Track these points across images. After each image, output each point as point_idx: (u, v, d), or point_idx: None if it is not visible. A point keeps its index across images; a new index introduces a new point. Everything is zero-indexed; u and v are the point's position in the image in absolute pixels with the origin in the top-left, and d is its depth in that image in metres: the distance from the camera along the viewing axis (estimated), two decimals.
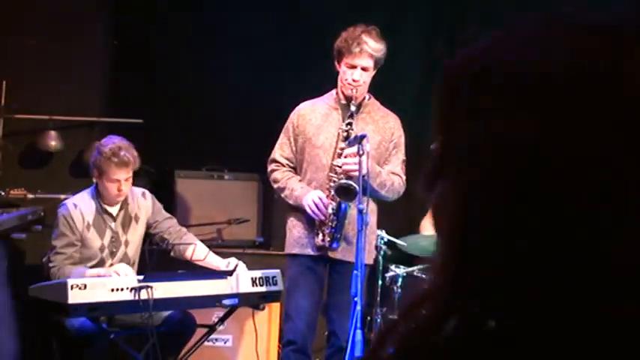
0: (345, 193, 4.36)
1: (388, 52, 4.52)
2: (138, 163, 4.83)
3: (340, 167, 4.44)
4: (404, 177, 4.69)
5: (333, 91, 4.68)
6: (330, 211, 4.46)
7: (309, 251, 4.59)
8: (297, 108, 4.71)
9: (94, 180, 4.86)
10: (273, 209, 6.30)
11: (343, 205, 4.44)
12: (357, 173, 4.29)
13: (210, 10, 6.80)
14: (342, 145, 4.47)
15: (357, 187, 4.24)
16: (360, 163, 4.18)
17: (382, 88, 4.86)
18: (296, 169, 4.70)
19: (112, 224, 4.89)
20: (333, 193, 4.44)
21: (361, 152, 4.13)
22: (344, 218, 4.47)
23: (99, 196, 4.86)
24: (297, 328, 4.62)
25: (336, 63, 4.59)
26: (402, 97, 6.18)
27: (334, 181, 4.45)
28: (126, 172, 4.78)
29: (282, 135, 4.72)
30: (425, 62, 6.57)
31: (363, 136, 4.14)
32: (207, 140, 6.88)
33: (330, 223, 4.48)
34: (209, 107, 6.90)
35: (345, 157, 4.41)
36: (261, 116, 4.68)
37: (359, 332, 3.93)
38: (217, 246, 5.77)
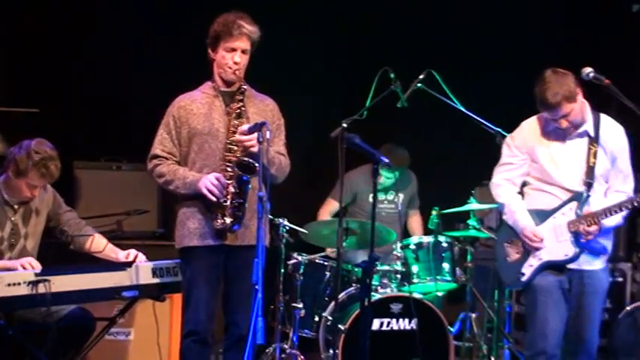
0: (245, 169, 4.39)
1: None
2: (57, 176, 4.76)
3: (237, 145, 4.46)
4: (287, 158, 4.74)
5: (209, 82, 4.69)
6: (231, 189, 4.44)
7: (209, 242, 4.55)
8: (176, 101, 4.67)
9: (7, 172, 4.73)
10: (173, 200, 6.26)
11: (246, 184, 4.44)
12: (255, 149, 4.33)
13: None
14: (236, 122, 4.51)
15: (256, 163, 4.28)
16: (260, 151, 4.16)
17: None
18: (179, 164, 4.64)
19: (13, 217, 4.78)
20: (233, 169, 4.42)
21: (261, 139, 4.12)
22: (246, 195, 4.46)
23: (4, 188, 4.74)
24: (197, 319, 4.58)
25: (210, 51, 4.62)
26: None
27: (231, 161, 4.46)
28: (46, 182, 4.75)
29: (160, 130, 4.66)
30: None
31: (262, 124, 4.15)
32: (105, 130, 6.82)
33: (232, 203, 4.46)
34: (107, 97, 6.84)
35: (241, 133, 4.43)
36: (160, 106, 4.64)
37: (260, 320, 3.92)
38: (117, 237, 5.70)
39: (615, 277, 6.83)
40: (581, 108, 4.63)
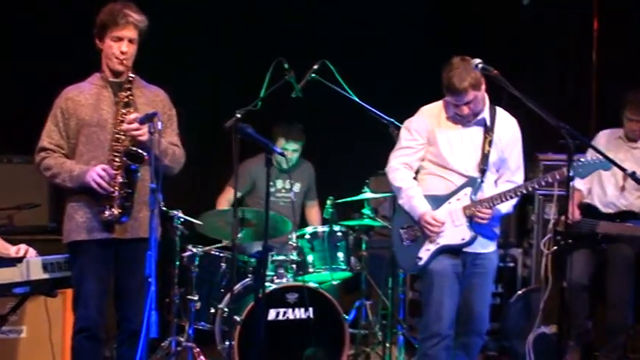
0: (134, 159, 4.36)
1: None
2: None
3: (125, 134, 4.42)
4: (182, 148, 4.72)
5: (96, 74, 4.63)
6: (119, 180, 4.39)
7: (96, 235, 4.49)
8: (64, 93, 4.59)
9: None
10: (65, 192, 6.16)
11: (135, 173, 4.40)
12: (143, 138, 4.33)
13: None
14: (123, 111, 4.46)
15: (144, 152, 4.27)
16: (151, 142, 4.11)
17: None
18: (67, 156, 4.55)
19: None
20: (122, 159, 4.38)
21: (152, 130, 4.08)
22: (135, 185, 4.42)
23: None
24: (87, 315, 4.52)
25: (97, 41, 4.56)
26: None
27: (119, 150, 4.41)
28: None
29: (48, 123, 4.57)
30: None
31: (154, 114, 4.10)
32: None
33: (120, 194, 4.40)
34: None
35: (129, 122, 4.40)
36: (50, 100, 4.56)
37: (154, 313, 3.88)
38: (8, 232, 5.59)
39: (507, 262, 6.99)
40: (483, 97, 4.77)
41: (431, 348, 4.79)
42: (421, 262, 4.81)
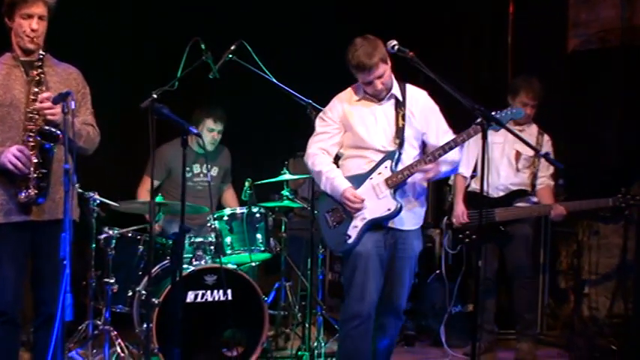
0: (48, 138, 4.31)
1: None
2: None
3: (38, 113, 4.34)
4: (97, 128, 4.67)
5: (7, 54, 4.53)
6: (34, 160, 4.32)
7: (13, 218, 4.41)
8: None
9: None
10: None
11: (49, 152, 4.34)
12: (55, 117, 4.28)
13: None
14: (36, 89, 4.38)
15: (58, 132, 4.23)
16: (65, 122, 4.04)
17: None
18: None
19: None
20: (36, 139, 4.31)
21: (66, 110, 4.01)
22: (50, 165, 4.35)
23: None
24: (4, 300, 4.43)
25: (7, 20, 4.48)
26: None
27: (32, 130, 4.34)
28: None
29: None
30: None
31: (67, 94, 4.03)
32: None
33: (35, 174, 4.33)
34: None
35: (41, 101, 4.33)
36: None
37: (69, 296, 3.82)
38: None
39: (424, 243, 7.07)
40: (390, 73, 4.81)
41: (353, 329, 4.83)
42: (350, 240, 4.83)
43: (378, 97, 4.89)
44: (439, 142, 4.88)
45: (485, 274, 6.25)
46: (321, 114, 5.06)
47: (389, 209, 4.82)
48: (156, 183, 6.37)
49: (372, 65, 4.71)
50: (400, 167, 4.83)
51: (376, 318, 4.90)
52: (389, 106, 4.91)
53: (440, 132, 4.96)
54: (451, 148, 4.80)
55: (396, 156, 4.84)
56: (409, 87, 4.98)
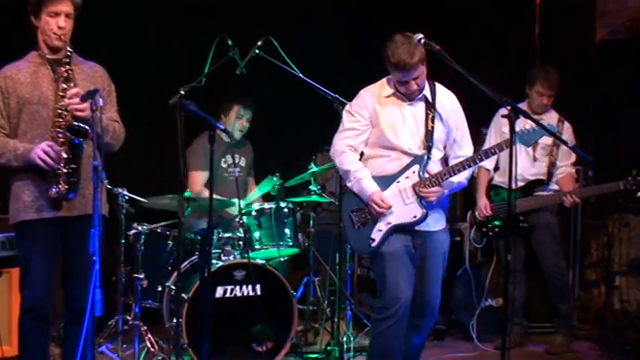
0: (77, 133, 4.34)
1: None
2: None
3: (67, 110, 4.37)
4: (122, 124, 4.71)
5: (33, 52, 4.56)
6: (64, 155, 4.36)
7: (45, 214, 4.45)
8: (1, 72, 4.51)
9: None
10: (10, 172, 6.08)
11: (78, 148, 4.38)
12: (84, 114, 4.30)
13: None
14: (64, 86, 4.42)
15: (87, 127, 4.24)
16: (93, 119, 4.06)
17: None
18: (9, 137, 4.49)
19: None
20: (65, 135, 4.35)
21: (94, 107, 4.03)
22: (79, 160, 4.39)
23: None
24: (35, 295, 4.48)
25: (33, 18, 4.51)
26: None
27: (61, 126, 4.38)
28: None
29: None
30: None
31: (95, 91, 4.06)
32: None
33: (65, 169, 4.36)
34: None
35: (70, 98, 4.36)
36: None
37: (98, 292, 3.85)
38: None
39: (453, 236, 7.07)
40: (425, 74, 4.77)
41: (387, 329, 4.79)
42: (374, 244, 4.81)
43: (409, 97, 4.85)
44: (458, 152, 4.89)
45: (515, 265, 6.24)
46: (349, 108, 4.98)
47: (415, 216, 4.79)
48: (207, 174, 6.35)
49: (412, 65, 4.62)
50: (427, 171, 4.81)
51: (410, 319, 4.85)
52: (419, 107, 4.85)
53: (461, 141, 4.95)
54: (482, 160, 4.80)
55: (425, 161, 4.80)
56: (439, 87, 4.92)
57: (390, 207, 4.75)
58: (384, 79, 4.91)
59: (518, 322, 6.40)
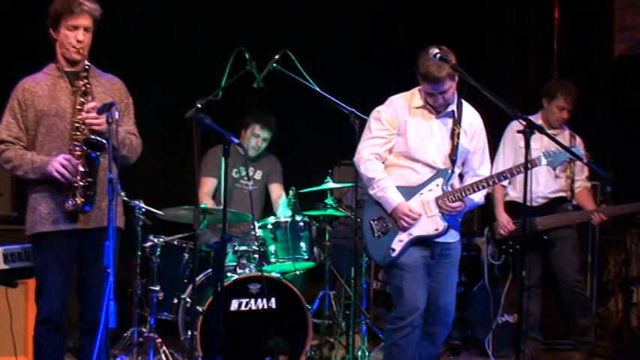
0: (94, 147, 4.36)
1: None
2: None
3: (84, 123, 4.39)
4: (139, 137, 4.71)
5: (51, 64, 4.59)
6: (81, 169, 4.38)
7: (61, 226, 4.47)
8: (20, 84, 4.55)
9: None
10: (28, 183, 6.14)
11: (95, 161, 4.40)
12: (100, 127, 4.32)
13: None
14: (82, 99, 4.44)
15: (104, 141, 4.26)
16: (109, 132, 4.09)
17: None
18: (27, 148, 4.51)
19: None
20: (82, 148, 4.37)
21: (110, 120, 4.06)
22: (96, 173, 4.41)
23: None
24: (51, 307, 4.50)
25: (52, 31, 4.53)
26: None
27: (79, 139, 4.39)
28: None
29: (6, 115, 4.53)
30: None
31: (111, 104, 4.08)
32: None
33: (82, 183, 4.38)
34: None
35: (87, 111, 4.38)
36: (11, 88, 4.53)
37: (112, 304, 3.86)
38: None
39: (470, 251, 7.05)
40: (454, 89, 4.78)
41: (401, 338, 4.80)
42: (394, 254, 4.81)
43: (436, 110, 4.86)
44: (477, 170, 4.92)
45: (530, 281, 6.20)
46: (377, 114, 4.94)
47: (437, 229, 4.80)
48: (215, 181, 6.44)
49: (439, 78, 4.65)
50: (450, 185, 4.81)
51: (424, 327, 4.87)
52: (447, 121, 4.86)
53: (480, 161, 4.96)
54: (506, 178, 4.82)
55: (449, 175, 4.81)
56: (466, 105, 4.94)
57: (420, 215, 4.76)
58: (416, 90, 4.92)
59: (533, 337, 6.35)
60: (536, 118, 6.20)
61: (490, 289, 6.67)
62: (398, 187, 4.84)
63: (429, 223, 4.81)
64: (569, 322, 6.41)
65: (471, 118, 4.93)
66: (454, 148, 4.82)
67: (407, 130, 4.84)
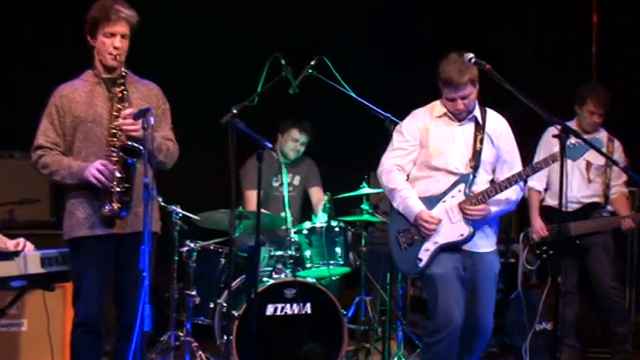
0: (130, 153, 4.39)
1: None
2: None
3: (121, 130, 4.43)
4: (176, 143, 4.74)
5: (89, 71, 4.64)
6: (117, 174, 4.42)
7: (97, 231, 4.51)
8: (58, 90, 4.60)
9: None
10: (65, 189, 6.22)
11: (132, 167, 4.43)
12: (137, 133, 4.34)
13: None
14: (119, 106, 4.47)
15: (141, 147, 4.28)
16: (145, 137, 4.12)
17: None
18: (64, 154, 4.57)
19: None
20: (119, 154, 4.41)
21: (146, 126, 4.09)
22: (132, 179, 4.44)
23: None
24: (88, 310, 4.55)
25: (89, 38, 4.58)
26: None
27: (115, 146, 4.44)
28: None
29: (44, 121, 4.58)
30: None
31: (147, 110, 4.12)
32: None
33: (118, 188, 4.43)
34: None
35: (124, 117, 4.42)
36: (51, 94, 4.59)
37: (148, 307, 3.90)
38: (8, 227, 5.63)
39: (508, 258, 7.01)
40: (475, 96, 4.77)
41: (439, 352, 4.79)
42: (421, 264, 4.80)
43: (457, 117, 4.85)
44: (508, 173, 4.85)
45: (566, 287, 6.15)
46: (399, 127, 5.00)
47: (462, 234, 4.78)
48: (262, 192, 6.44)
49: (460, 83, 4.66)
50: (474, 189, 4.79)
51: (463, 342, 4.84)
52: (468, 127, 4.86)
53: (514, 163, 4.93)
54: (528, 176, 4.77)
55: (470, 180, 4.79)
56: (490, 111, 4.93)
57: (440, 220, 4.74)
58: (436, 101, 4.94)
59: (569, 344, 6.29)
60: (572, 124, 6.16)
61: (524, 295, 6.62)
62: (421, 198, 4.84)
63: (454, 230, 4.79)
64: (607, 330, 6.35)
65: (495, 123, 4.92)
66: (476, 153, 4.82)
67: (428, 138, 4.86)
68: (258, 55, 5.31)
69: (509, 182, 4.76)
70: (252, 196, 6.45)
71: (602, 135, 6.25)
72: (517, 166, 4.95)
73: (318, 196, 6.76)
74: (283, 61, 5.28)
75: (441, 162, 4.82)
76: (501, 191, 4.76)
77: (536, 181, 6.15)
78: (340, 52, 5.76)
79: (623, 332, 6.26)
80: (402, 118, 5.07)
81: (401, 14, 7.78)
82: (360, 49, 7.59)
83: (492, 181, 4.92)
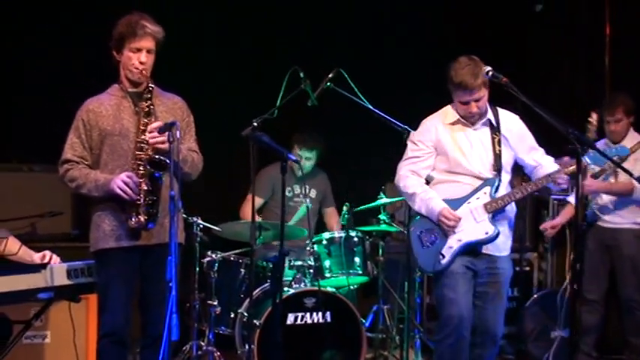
0: (157, 166, 4.45)
1: None
2: None
3: (147, 143, 4.49)
4: (200, 154, 4.80)
5: (115, 85, 4.70)
6: (144, 187, 4.48)
7: (123, 243, 4.57)
8: (85, 104, 4.66)
9: None
10: (87, 201, 6.27)
11: (159, 181, 4.48)
12: (163, 147, 4.40)
13: None
14: (145, 120, 4.54)
15: (167, 160, 4.33)
16: (171, 150, 4.19)
17: None
18: (91, 167, 4.63)
19: None
20: (145, 167, 4.47)
21: (172, 139, 4.15)
22: (159, 192, 4.50)
23: None
24: (114, 321, 4.60)
25: (115, 53, 4.65)
26: None
27: (142, 159, 4.49)
28: None
29: (71, 135, 4.64)
30: None
31: (172, 124, 4.17)
32: (15, 131, 6.77)
33: (145, 201, 4.49)
34: (16, 98, 6.79)
35: (150, 131, 4.48)
36: (72, 107, 4.65)
37: (174, 317, 3.96)
38: (31, 240, 5.65)
39: (522, 266, 7.05)
40: (486, 98, 4.84)
41: (447, 347, 4.85)
42: (444, 261, 4.85)
43: (470, 121, 4.91)
44: (538, 158, 4.95)
45: (591, 295, 6.19)
46: (412, 137, 5.07)
47: (487, 232, 4.83)
48: (261, 201, 6.61)
49: (475, 86, 4.72)
50: (498, 194, 4.86)
51: (473, 348, 4.90)
52: (484, 131, 4.92)
53: (537, 150, 5.00)
54: (547, 182, 4.84)
55: (496, 183, 4.86)
56: (501, 111, 5.00)
57: (459, 218, 4.80)
58: (448, 107, 5.00)
59: (585, 351, 6.31)
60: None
61: (543, 302, 6.65)
62: (444, 200, 4.90)
63: (479, 228, 4.85)
64: (623, 339, 6.37)
65: (509, 123, 4.98)
66: (497, 157, 4.88)
67: (445, 145, 4.92)
68: (278, 68, 5.37)
69: (535, 187, 4.85)
70: (249, 201, 6.55)
71: (634, 139, 6.19)
72: (540, 149, 5.03)
73: (334, 218, 6.91)
74: (302, 74, 5.34)
75: (461, 167, 4.89)
76: (526, 193, 4.84)
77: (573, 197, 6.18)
78: (357, 64, 5.81)
79: (637, 343, 6.29)
80: (411, 123, 5.14)
81: (419, 28, 7.84)
82: (376, 60, 7.65)
83: (511, 182, 5.00)
